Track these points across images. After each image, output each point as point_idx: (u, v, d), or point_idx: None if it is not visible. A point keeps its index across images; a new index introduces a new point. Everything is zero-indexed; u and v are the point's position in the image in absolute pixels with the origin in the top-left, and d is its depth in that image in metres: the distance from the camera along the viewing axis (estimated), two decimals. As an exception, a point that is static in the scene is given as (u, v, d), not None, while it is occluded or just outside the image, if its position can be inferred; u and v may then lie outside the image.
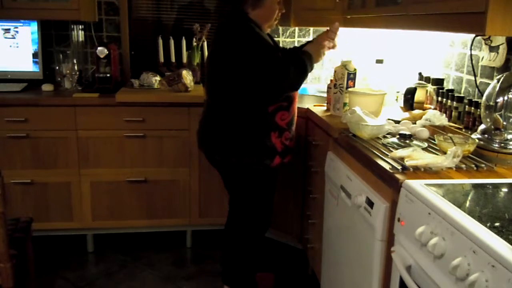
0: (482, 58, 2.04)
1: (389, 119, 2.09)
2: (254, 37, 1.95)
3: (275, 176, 2.21)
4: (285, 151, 2.12)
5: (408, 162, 1.52)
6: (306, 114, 2.50)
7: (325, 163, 2.13)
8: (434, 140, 1.75)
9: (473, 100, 1.98)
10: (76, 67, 2.94)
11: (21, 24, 2.93)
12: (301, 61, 2.00)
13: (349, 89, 2.27)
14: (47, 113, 2.63)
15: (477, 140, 1.68)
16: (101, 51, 2.79)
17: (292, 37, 3.27)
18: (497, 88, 1.65)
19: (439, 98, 2.25)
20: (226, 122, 2.06)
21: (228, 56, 1.98)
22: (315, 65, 2.12)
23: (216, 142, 2.10)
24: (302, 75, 1.99)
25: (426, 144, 1.77)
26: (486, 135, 1.70)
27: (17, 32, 2.94)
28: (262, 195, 2.19)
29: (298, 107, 2.22)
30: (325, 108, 2.47)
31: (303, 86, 2.08)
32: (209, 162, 2.23)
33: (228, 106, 2.04)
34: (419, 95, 2.30)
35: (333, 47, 2.14)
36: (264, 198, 2.20)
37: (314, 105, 2.56)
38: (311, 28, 3.25)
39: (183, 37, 3.06)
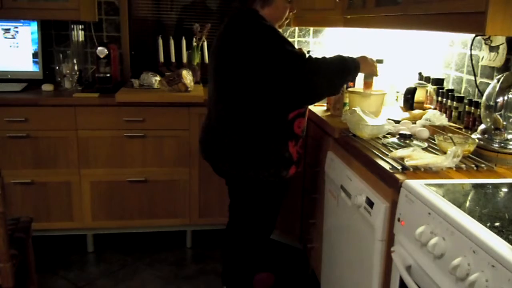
0: (482, 58, 2.04)
1: (389, 119, 2.09)
2: (274, 37, 1.77)
3: (288, 187, 2.12)
4: (299, 159, 2.02)
5: (408, 162, 1.52)
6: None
7: (325, 163, 2.12)
8: (434, 140, 1.75)
9: (473, 100, 1.98)
10: (76, 67, 2.94)
11: (21, 24, 2.93)
12: (334, 60, 1.81)
13: (349, 89, 2.27)
14: (47, 113, 2.63)
15: (477, 140, 1.68)
16: (101, 51, 2.79)
17: (292, 37, 3.27)
18: (497, 88, 1.66)
19: (439, 98, 2.25)
20: (242, 133, 1.90)
21: (245, 61, 1.81)
22: None
23: (229, 155, 1.94)
24: (335, 75, 1.82)
25: (426, 144, 1.77)
26: (486, 135, 1.70)
27: (17, 32, 2.94)
28: (271, 206, 2.10)
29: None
30: (325, 108, 2.46)
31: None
32: (216, 173, 2.13)
33: (244, 116, 1.89)
34: (419, 95, 2.30)
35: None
36: (272, 208, 2.11)
37: (314, 105, 2.56)
38: (311, 28, 3.25)
39: (183, 37, 3.06)
